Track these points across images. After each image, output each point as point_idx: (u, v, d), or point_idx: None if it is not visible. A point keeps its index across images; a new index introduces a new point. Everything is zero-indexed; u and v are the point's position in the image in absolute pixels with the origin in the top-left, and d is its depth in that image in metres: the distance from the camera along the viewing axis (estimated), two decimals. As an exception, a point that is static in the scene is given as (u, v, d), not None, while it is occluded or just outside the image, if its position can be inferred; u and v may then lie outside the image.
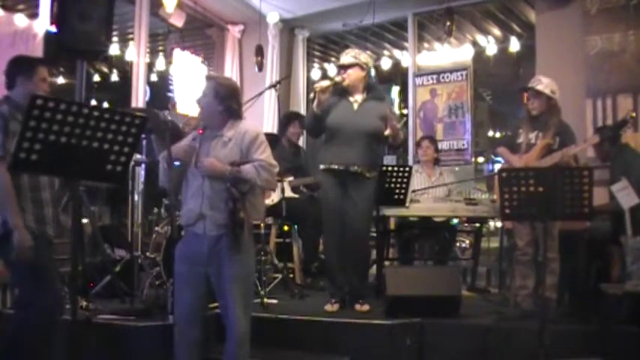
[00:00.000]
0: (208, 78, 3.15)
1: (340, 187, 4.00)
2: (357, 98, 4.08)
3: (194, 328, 2.96)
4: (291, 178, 5.27)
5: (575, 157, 3.94)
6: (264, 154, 2.99)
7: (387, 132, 4.00)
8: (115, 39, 6.82)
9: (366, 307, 3.95)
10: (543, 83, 3.90)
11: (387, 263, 5.03)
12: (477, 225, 5.40)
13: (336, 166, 3.99)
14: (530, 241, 3.84)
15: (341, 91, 4.09)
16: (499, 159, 4.57)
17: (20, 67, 3.03)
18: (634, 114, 4.37)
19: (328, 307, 3.99)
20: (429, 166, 5.58)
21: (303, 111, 6.92)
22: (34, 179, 2.87)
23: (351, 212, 3.99)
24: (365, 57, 4.14)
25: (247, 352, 2.97)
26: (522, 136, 3.99)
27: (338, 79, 4.07)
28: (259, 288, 4.21)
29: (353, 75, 4.05)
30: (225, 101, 2.97)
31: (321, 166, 4.09)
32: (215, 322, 3.14)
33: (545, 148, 3.85)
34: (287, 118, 5.70)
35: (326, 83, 4.01)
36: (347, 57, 4.10)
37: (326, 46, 8.39)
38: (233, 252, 2.91)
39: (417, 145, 5.70)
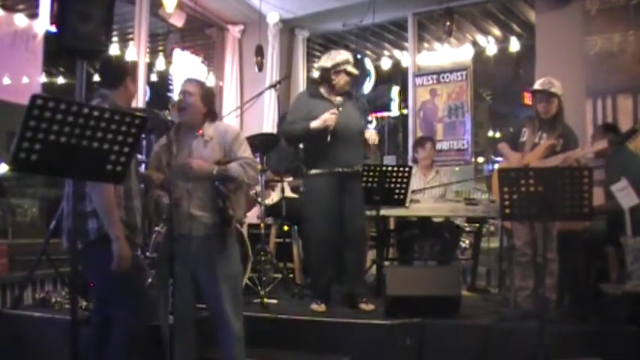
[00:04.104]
0: (190, 80, 3.19)
1: (337, 187, 3.99)
2: (338, 99, 4.05)
3: (187, 328, 2.98)
4: (290, 179, 5.27)
5: (577, 158, 3.93)
6: (247, 151, 3.06)
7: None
8: (115, 39, 6.83)
9: (371, 307, 3.96)
10: (556, 86, 3.87)
11: (387, 263, 5.04)
12: (477, 225, 5.41)
13: (340, 169, 3.97)
14: (528, 241, 3.83)
15: (320, 94, 4.08)
16: (499, 159, 4.56)
17: (127, 67, 2.98)
18: None
19: (315, 307, 3.99)
20: (425, 165, 5.59)
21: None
22: (127, 187, 2.80)
23: (351, 211, 4.00)
24: None
25: (243, 352, 2.98)
26: (526, 136, 3.97)
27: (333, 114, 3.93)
28: (259, 288, 4.21)
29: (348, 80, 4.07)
30: (210, 105, 3.08)
31: (317, 170, 4.01)
32: (211, 323, 3.13)
33: (548, 148, 3.85)
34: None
35: (335, 116, 3.88)
36: (353, 67, 4.07)
37: (326, 46, 8.39)
38: (220, 252, 2.93)
39: (419, 145, 5.67)
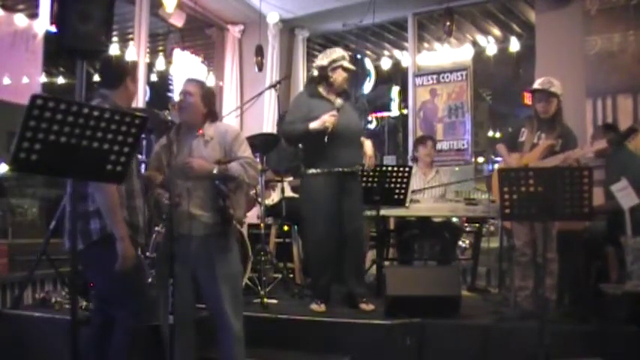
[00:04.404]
0: (190, 80, 3.20)
1: (337, 187, 3.98)
2: (337, 100, 4.04)
3: (187, 328, 2.98)
4: (290, 178, 5.27)
5: (577, 159, 3.93)
6: (247, 151, 3.07)
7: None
8: (115, 39, 6.83)
9: (371, 307, 3.95)
10: (555, 85, 3.85)
11: (387, 263, 5.03)
12: (477, 225, 5.41)
13: (339, 169, 3.96)
14: (528, 241, 3.83)
15: (319, 93, 4.08)
16: (499, 159, 4.56)
17: (127, 67, 2.97)
18: None
19: (315, 307, 3.98)
20: (426, 165, 5.59)
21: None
22: (129, 186, 2.79)
23: (350, 210, 4.00)
24: None
25: (243, 352, 2.99)
26: (525, 136, 3.97)
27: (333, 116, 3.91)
28: (259, 288, 4.21)
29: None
30: (210, 105, 3.09)
31: (317, 170, 3.99)
32: (211, 323, 3.13)
33: (547, 149, 3.84)
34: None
35: (334, 118, 3.88)
36: (349, 63, 4.08)
37: (326, 46, 8.37)
38: (220, 251, 2.93)
39: (421, 143, 5.66)
